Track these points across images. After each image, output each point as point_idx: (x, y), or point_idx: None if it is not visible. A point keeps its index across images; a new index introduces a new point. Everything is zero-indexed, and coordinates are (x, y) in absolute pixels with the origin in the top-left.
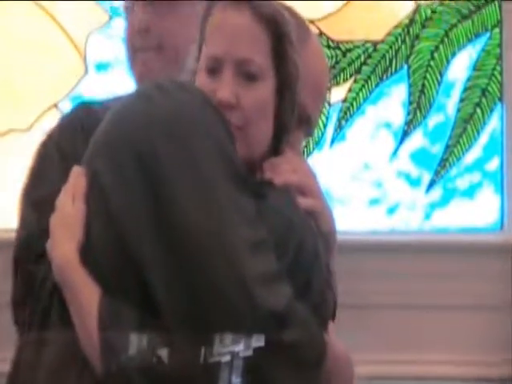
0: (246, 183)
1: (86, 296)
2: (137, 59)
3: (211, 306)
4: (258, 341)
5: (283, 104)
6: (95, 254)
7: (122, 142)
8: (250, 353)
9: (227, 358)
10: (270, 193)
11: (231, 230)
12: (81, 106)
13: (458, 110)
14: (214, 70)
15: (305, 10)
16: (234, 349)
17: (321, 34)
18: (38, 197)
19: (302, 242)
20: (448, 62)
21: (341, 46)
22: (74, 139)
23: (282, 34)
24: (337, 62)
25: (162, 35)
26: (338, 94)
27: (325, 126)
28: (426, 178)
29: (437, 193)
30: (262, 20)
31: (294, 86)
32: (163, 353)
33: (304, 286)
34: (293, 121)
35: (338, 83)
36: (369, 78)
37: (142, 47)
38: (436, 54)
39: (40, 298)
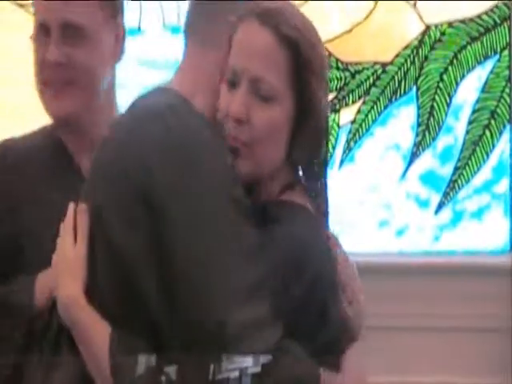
0: (247, 211)
1: (95, 333)
2: (48, 92)
3: (198, 342)
4: (266, 357)
5: (300, 130)
6: (101, 290)
7: (124, 177)
8: (258, 369)
9: (236, 375)
10: (288, 216)
11: (224, 276)
12: (3, 143)
13: (467, 132)
14: (233, 83)
15: None
16: (242, 365)
17: (330, 55)
18: None
19: (319, 271)
20: (457, 83)
21: (350, 67)
22: None
23: (303, 60)
24: (346, 84)
25: (74, 70)
26: (346, 115)
27: (333, 147)
28: (435, 199)
29: (446, 214)
30: (282, 42)
31: (312, 113)
32: (171, 370)
33: (321, 314)
34: (317, 149)
35: (346, 104)
36: (378, 99)
37: (54, 81)
38: (445, 76)
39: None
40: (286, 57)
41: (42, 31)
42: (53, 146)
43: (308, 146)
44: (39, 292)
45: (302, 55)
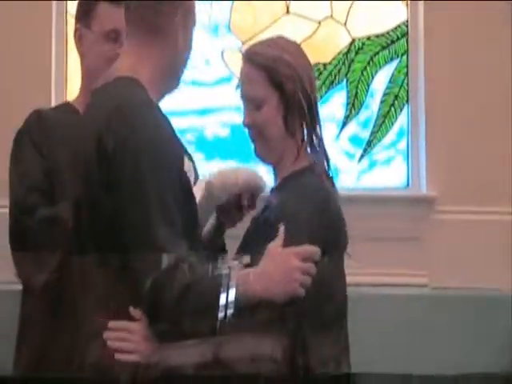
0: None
1: None
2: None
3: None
4: (247, 259)
5: (288, 110)
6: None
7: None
8: (241, 267)
9: (226, 271)
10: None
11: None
12: (34, 112)
13: (380, 109)
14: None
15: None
16: (230, 264)
17: None
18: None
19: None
20: (373, 77)
21: None
22: (39, 135)
23: (274, 71)
24: None
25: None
26: None
27: None
28: (358, 153)
29: (365, 163)
30: (258, 67)
31: (293, 99)
32: (185, 266)
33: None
34: (305, 118)
35: None
36: (320, 87)
37: None
38: (365, 72)
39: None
40: (262, 73)
41: (113, 35)
42: (71, 113)
43: (293, 119)
44: None
45: (272, 70)
